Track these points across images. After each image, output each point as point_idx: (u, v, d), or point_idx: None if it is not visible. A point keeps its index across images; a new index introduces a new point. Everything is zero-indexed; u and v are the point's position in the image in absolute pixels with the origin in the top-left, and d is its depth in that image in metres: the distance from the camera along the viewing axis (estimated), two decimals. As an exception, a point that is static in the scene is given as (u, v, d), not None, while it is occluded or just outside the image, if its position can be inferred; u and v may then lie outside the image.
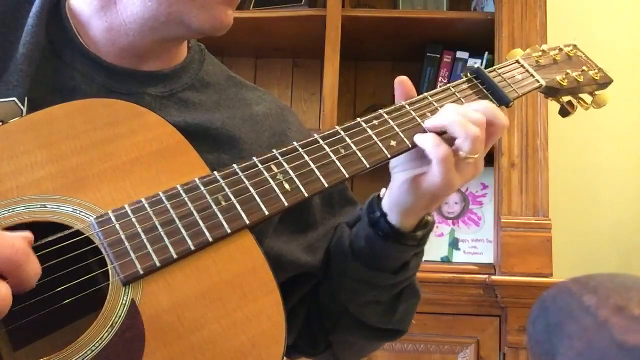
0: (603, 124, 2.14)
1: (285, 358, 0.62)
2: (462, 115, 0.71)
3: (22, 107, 0.71)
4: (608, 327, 0.40)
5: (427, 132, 0.73)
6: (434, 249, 1.94)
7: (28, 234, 0.55)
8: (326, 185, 0.68)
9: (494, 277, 1.70)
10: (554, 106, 1.95)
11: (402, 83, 0.78)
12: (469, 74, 0.82)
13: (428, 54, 2.05)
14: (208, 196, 0.64)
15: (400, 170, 0.77)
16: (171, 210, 0.62)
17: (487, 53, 1.95)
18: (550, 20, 1.84)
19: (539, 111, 1.79)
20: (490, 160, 1.85)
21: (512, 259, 1.72)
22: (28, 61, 0.75)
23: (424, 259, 2.04)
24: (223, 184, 0.65)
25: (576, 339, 0.42)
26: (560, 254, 1.75)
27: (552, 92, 0.88)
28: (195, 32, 0.78)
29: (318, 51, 1.98)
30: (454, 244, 1.93)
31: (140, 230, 0.61)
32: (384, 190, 0.80)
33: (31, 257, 0.53)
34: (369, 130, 0.73)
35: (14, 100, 0.70)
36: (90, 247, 0.60)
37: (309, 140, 0.71)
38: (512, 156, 1.78)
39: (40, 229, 0.59)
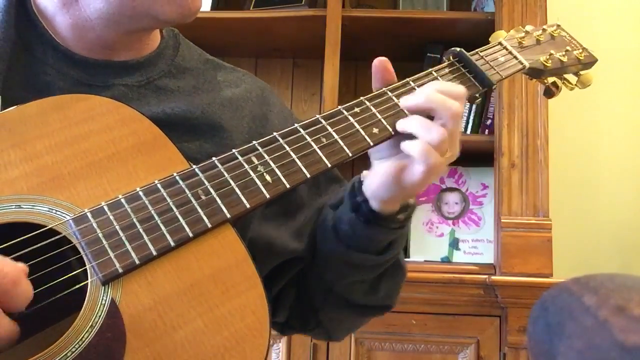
0: (603, 124, 2.14)
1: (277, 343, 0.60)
2: (441, 92, 0.72)
3: None
4: (608, 327, 0.40)
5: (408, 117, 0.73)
6: (434, 249, 1.94)
7: (22, 266, 0.54)
8: (308, 176, 0.67)
9: (494, 277, 1.70)
10: (554, 106, 1.95)
11: (382, 67, 0.77)
12: (450, 57, 0.81)
13: (428, 54, 2.05)
14: (187, 190, 0.63)
15: (378, 157, 0.76)
16: (149, 206, 0.61)
17: (487, 53, 1.95)
18: (550, 20, 1.84)
19: (539, 111, 1.79)
20: (490, 160, 1.85)
21: (512, 259, 1.72)
22: None
23: (424, 258, 2.03)
24: (202, 178, 0.64)
25: (576, 339, 0.42)
26: (560, 254, 1.75)
27: (535, 73, 0.87)
28: (163, 22, 0.77)
29: (318, 51, 1.98)
30: (454, 244, 1.93)
31: (118, 227, 0.59)
32: (365, 172, 0.78)
33: (20, 285, 0.52)
34: (350, 117, 0.72)
35: None
36: (69, 246, 0.59)
37: (289, 129, 0.70)
38: (512, 156, 1.78)
39: (16, 229, 0.58)
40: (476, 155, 1.93)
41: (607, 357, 0.39)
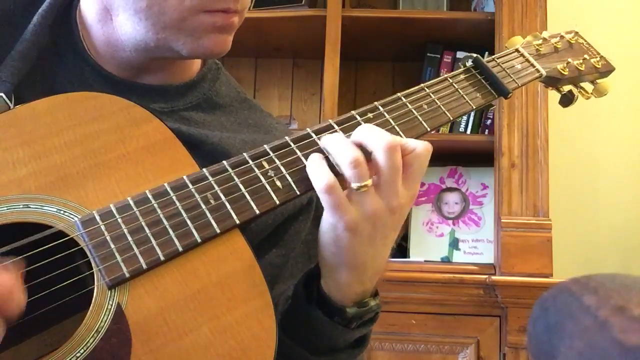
0: (603, 124, 2.14)
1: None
2: (346, 139, 0.64)
3: (9, 103, 0.68)
4: (608, 327, 0.40)
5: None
6: (434, 249, 1.94)
7: (18, 262, 0.52)
8: None
9: (494, 277, 1.70)
10: (554, 106, 1.95)
11: None
12: (467, 63, 0.80)
13: (428, 54, 2.05)
14: (196, 195, 0.61)
15: None
16: (158, 210, 0.60)
17: (487, 53, 1.95)
18: (550, 21, 1.84)
19: (539, 111, 1.79)
20: (490, 160, 1.85)
21: (512, 259, 1.72)
22: (22, 58, 0.73)
23: (424, 258, 2.03)
24: (212, 182, 0.63)
25: (576, 339, 0.42)
26: (560, 254, 1.75)
27: (552, 81, 0.86)
28: (187, 57, 0.75)
29: (318, 51, 1.98)
30: (454, 244, 1.93)
31: (126, 231, 0.58)
32: None
33: (13, 294, 0.51)
34: (363, 123, 0.69)
35: (1, 96, 0.68)
36: (77, 248, 0.58)
37: (302, 134, 0.68)
38: (512, 156, 1.78)
39: (23, 229, 0.57)
40: (476, 155, 1.94)
41: (607, 357, 0.39)
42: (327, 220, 0.63)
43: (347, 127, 0.69)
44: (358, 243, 0.63)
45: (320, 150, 0.66)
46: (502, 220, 1.75)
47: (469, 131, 1.96)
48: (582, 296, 0.44)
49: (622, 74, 2.33)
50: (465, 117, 1.96)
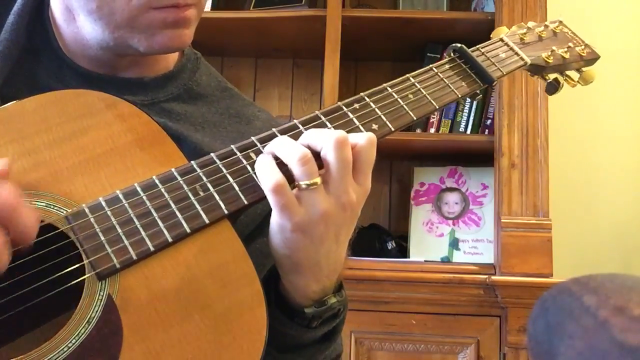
0: (603, 124, 2.14)
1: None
2: (293, 140, 0.64)
3: None
4: (608, 327, 0.40)
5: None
6: (434, 249, 1.94)
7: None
8: None
9: (494, 277, 1.70)
10: (554, 106, 1.95)
11: None
12: (452, 54, 0.80)
13: (428, 54, 2.05)
14: (185, 186, 0.62)
15: None
16: (147, 202, 0.61)
17: (487, 53, 1.95)
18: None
19: (539, 111, 1.79)
20: (490, 160, 1.85)
21: (512, 259, 1.72)
22: (4, 58, 0.73)
23: (424, 258, 2.03)
24: (200, 174, 0.63)
25: (576, 339, 0.42)
26: (560, 254, 1.75)
27: (537, 69, 0.87)
28: (146, 54, 0.75)
29: (318, 51, 1.98)
30: (454, 244, 1.93)
31: (115, 223, 0.59)
32: None
33: (20, 208, 0.51)
34: (350, 114, 0.70)
35: None
36: (67, 241, 0.59)
37: (288, 125, 0.68)
38: (512, 156, 1.78)
39: None
40: (476, 155, 1.94)
41: (607, 357, 0.39)
42: (276, 222, 0.62)
43: (334, 117, 0.70)
44: (309, 244, 0.63)
45: (300, 134, 0.66)
46: (502, 220, 1.75)
47: (469, 131, 1.96)
48: (582, 296, 0.44)
49: (622, 73, 2.33)
50: (465, 117, 1.96)
